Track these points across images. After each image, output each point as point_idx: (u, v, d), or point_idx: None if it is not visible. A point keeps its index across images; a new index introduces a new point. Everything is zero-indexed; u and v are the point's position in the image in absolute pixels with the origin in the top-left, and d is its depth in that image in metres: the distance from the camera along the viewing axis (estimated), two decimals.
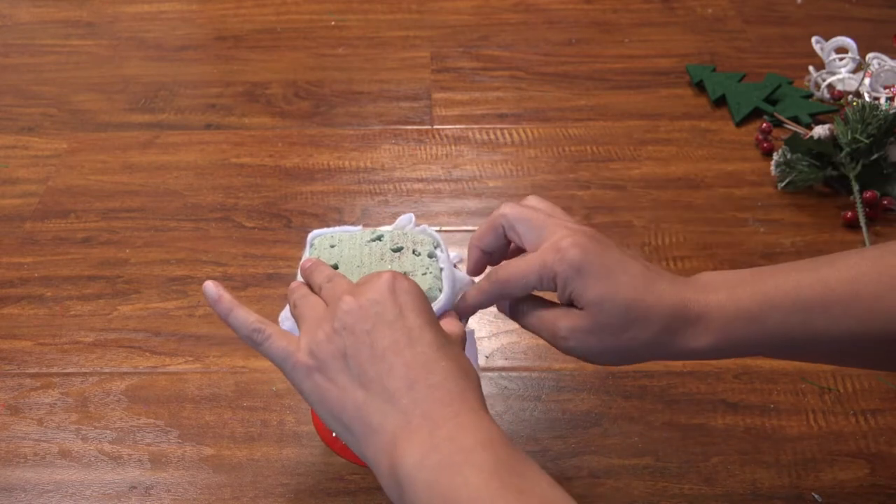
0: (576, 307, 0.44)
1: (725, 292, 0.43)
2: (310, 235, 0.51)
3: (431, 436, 0.37)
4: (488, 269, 0.48)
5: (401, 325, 0.40)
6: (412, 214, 0.53)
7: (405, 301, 0.41)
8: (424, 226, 0.52)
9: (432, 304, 0.46)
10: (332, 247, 0.49)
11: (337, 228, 0.52)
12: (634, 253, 0.45)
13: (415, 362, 0.39)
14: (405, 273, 0.47)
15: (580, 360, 0.45)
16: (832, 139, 0.77)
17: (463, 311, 0.47)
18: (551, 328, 0.45)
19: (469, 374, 0.41)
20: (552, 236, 0.44)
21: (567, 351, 0.45)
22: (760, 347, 0.44)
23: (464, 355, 0.42)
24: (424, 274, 0.47)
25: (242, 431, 0.59)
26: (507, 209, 0.46)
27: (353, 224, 0.76)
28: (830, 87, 0.90)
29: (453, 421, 0.37)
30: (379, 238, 0.50)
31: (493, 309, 0.67)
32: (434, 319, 0.42)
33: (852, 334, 0.42)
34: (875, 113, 0.75)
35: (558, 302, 0.45)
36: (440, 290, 0.47)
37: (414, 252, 0.48)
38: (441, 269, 0.48)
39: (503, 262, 0.47)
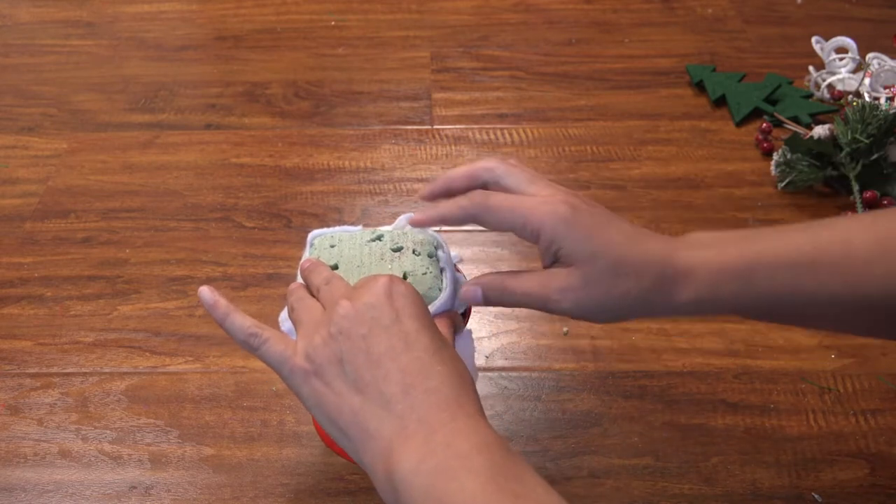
0: (561, 266, 0.43)
1: (715, 249, 0.43)
2: (310, 235, 0.51)
3: (427, 441, 0.37)
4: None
5: (397, 329, 0.40)
6: (412, 214, 0.53)
7: (402, 305, 0.41)
8: (425, 228, 0.52)
9: (432, 304, 0.46)
10: (332, 247, 0.49)
11: (337, 228, 0.52)
12: (619, 216, 0.46)
13: (411, 367, 0.39)
14: (405, 273, 0.47)
15: (574, 319, 0.45)
16: (832, 139, 0.77)
17: (421, 222, 0.46)
18: (542, 293, 0.44)
19: (465, 379, 0.41)
20: (542, 191, 0.44)
21: (561, 312, 0.44)
22: (745, 307, 0.44)
23: (459, 360, 0.42)
24: (424, 274, 0.47)
25: (242, 431, 0.59)
26: (494, 163, 0.46)
27: (353, 224, 0.76)
28: (830, 87, 0.90)
29: (449, 426, 0.37)
30: (379, 238, 0.50)
31: (494, 309, 0.67)
32: (431, 323, 0.42)
33: (839, 297, 0.42)
34: (875, 113, 0.75)
35: (541, 265, 0.45)
36: (440, 290, 0.47)
37: (414, 252, 0.48)
38: (441, 270, 0.48)
39: (493, 192, 0.45)
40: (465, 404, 0.39)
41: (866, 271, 0.41)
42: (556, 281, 0.43)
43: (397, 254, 0.48)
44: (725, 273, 0.43)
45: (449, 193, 0.47)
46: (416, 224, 0.46)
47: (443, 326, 0.45)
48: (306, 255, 0.50)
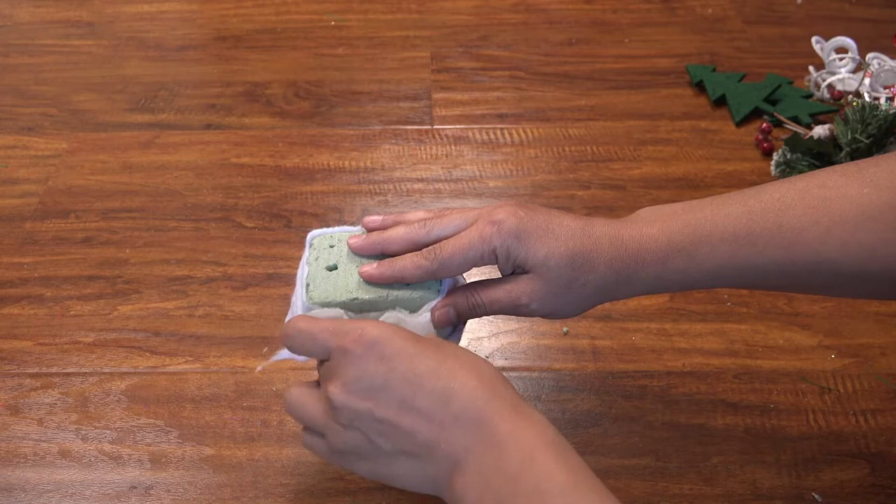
0: (523, 273, 0.45)
1: (658, 225, 0.45)
2: (309, 235, 0.51)
3: (480, 471, 0.37)
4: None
5: (395, 380, 0.39)
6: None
7: (381, 351, 0.40)
8: None
9: (430, 303, 0.46)
10: (332, 247, 0.49)
11: (336, 228, 0.52)
12: (560, 211, 0.47)
13: (429, 406, 0.38)
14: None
15: (545, 319, 0.47)
16: (832, 139, 0.77)
17: (379, 279, 0.47)
18: (509, 299, 0.46)
19: (481, 371, 0.40)
20: (480, 213, 0.46)
21: (531, 314, 0.46)
22: (692, 280, 0.45)
23: (464, 353, 0.42)
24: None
25: (242, 431, 0.59)
26: (422, 215, 0.49)
27: (352, 224, 0.76)
28: (830, 87, 0.90)
29: (490, 443, 0.37)
30: None
31: None
32: (417, 343, 0.41)
33: (779, 265, 0.43)
34: (875, 113, 0.75)
35: (500, 275, 0.47)
36: (438, 291, 0.47)
37: None
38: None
39: (442, 243, 0.46)
40: (496, 400, 0.38)
41: (799, 239, 0.43)
42: (519, 287, 0.45)
43: None
44: (672, 251, 0.44)
45: (382, 252, 0.48)
46: (372, 280, 0.46)
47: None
48: (306, 255, 0.50)
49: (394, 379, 0.39)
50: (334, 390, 0.40)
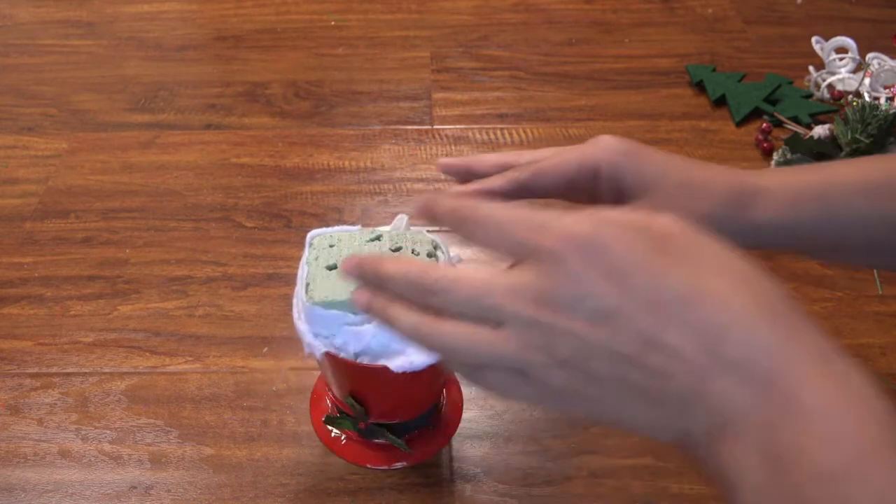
0: (624, 201, 0.40)
1: (790, 174, 0.41)
2: (309, 235, 0.51)
3: (767, 452, 0.26)
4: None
5: (635, 308, 0.27)
6: (406, 214, 0.53)
7: (613, 263, 0.27)
8: (422, 229, 0.52)
9: None
10: (331, 246, 0.49)
11: (336, 228, 0.52)
12: None
13: (689, 346, 0.27)
14: None
15: None
16: (832, 139, 0.77)
17: (471, 194, 0.41)
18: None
19: (766, 295, 0.27)
20: (579, 146, 0.41)
21: None
22: (825, 231, 0.40)
23: (730, 261, 0.28)
24: None
25: (242, 431, 0.59)
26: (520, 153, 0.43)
27: (352, 224, 0.76)
28: (830, 86, 0.90)
29: (793, 426, 0.26)
30: (378, 238, 0.50)
31: None
32: (662, 243, 0.28)
33: None
34: (875, 113, 0.75)
35: (594, 204, 0.40)
36: None
37: (413, 252, 0.48)
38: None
39: (529, 163, 0.41)
40: (792, 345, 0.26)
41: None
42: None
43: (396, 254, 0.48)
44: (805, 193, 0.40)
45: (469, 174, 0.43)
46: (465, 195, 0.39)
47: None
48: (306, 254, 0.50)
49: (632, 306, 0.27)
50: (545, 314, 0.28)
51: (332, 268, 0.48)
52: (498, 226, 0.30)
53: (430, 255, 0.49)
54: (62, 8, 1.11)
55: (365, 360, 0.47)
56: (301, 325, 0.47)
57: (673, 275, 0.27)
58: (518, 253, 0.30)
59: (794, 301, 0.28)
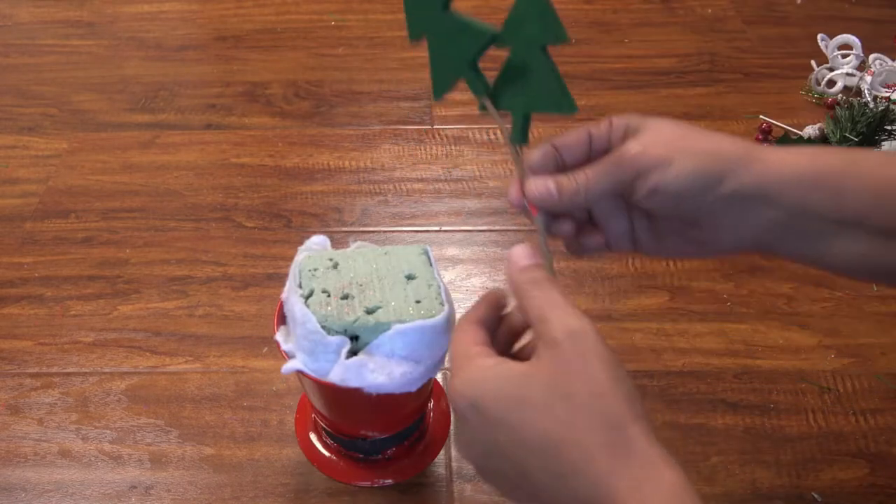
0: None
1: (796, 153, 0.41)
2: (297, 260, 0.49)
3: None
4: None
5: (504, 449, 0.35)
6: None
7: (486, 416, 0.35)
8: (425, 246, 0.51)
9: (433, 319, 0.45)
10: (315, 269, 0.48)
11: (315, 247, 0.51)
12: None
13: (546, 482, 0.34)
14: (418, 301, 0.46)
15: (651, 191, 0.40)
16: (823, 138, 0.78)
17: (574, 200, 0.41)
18: (619, 155, 0.40)
19: (603, 424, 0.34)
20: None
21: (643, 175, 0.40)
22: (842, 207, 0.39)
23: (578, 403, 0.34)
24: (435, 297, 0.47)
25: (242, 431, 0.59)
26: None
27: (351, 224, 0.76)
28: (830, 82, 0.91)
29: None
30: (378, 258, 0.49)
31: None
32: (523, 393, 0.35)
33: None
34: (864, 111, 0.75)
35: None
36: (442, 305, 0.46)
37: (410, 276, 0.48)
38: (439, 287, 0.48)
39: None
40: (619, 470, 0.33)
41: None
42: (632, 147, 0.40)
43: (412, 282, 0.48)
44: (826, 152, 0.40)
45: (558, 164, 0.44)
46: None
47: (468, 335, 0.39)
48: (298, 263, 0.48)
49: (502, 448, 0.35)
50: (460, 448, 0.38)
51: (325, 292, 0.46)
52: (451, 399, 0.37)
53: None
54: (62, 8, 1.11)
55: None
56: (287, 346, 0.47)
57: (529, 429, 0.34)
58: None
59: (638, 417, 0.35)
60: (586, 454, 0.33)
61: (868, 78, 0.88)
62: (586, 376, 0.35)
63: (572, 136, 0.43)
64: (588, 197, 0.41)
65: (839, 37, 0.93)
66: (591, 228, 0.45)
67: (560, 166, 0.43)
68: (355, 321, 0.45)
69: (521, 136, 0.42)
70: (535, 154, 0.43)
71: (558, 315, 0.36)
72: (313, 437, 0.57)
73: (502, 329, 0.41)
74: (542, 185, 0.42)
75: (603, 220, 0.45)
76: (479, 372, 0.36)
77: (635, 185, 0.40)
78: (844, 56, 0.93)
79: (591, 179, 0.41)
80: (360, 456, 0.55)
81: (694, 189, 0.40)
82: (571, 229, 0.44)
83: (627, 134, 0.42)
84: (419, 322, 0.44)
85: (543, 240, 0.42)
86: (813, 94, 0.91)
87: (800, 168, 0.40)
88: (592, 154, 0.43)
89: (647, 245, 0.45)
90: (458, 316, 0.42)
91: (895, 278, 0.41)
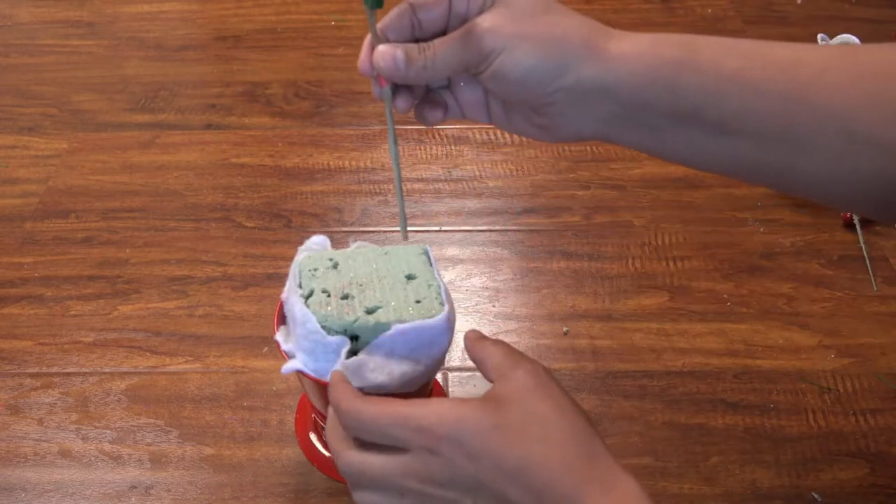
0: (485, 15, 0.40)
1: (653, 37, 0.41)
2: (296, 261, 0.49)
3: None
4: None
5: (486, 478, 0.37)
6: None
7: (470, 451, 0.37)
8: (426, 246, 0.51)
9: (433, 319, 0.45)
10: (315, 269, 0.48)
11: (315, 247, 0.51)
12: None
13: (524, 500, 0.36)
14: (418, 301, 0.46)
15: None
16: None
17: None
18: (465, 30, 0.40)
19: (566, 454, 0.37)
20: None
21: (484, 59, 0.40)
22: (684, 90, 0.39)
23: (549, 431, 0.37)
24: (435, 297, 0.47)
25: (242, 431, 0.59)
26: None
27: (351, 224, 0.76)
28: None
29: None
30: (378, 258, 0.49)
31: (494, 309, 0.67)
32: (500, 427, 0.37)
33: (788, 98, 0.37)
34: None
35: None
36: (442, 305, 0.46)
37: (410, 276, 0.48)
38: (439, 287, 0.47)
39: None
40: (585, 485, 0.36)
41: (817, 80, 0.37)
42: (482, 23, 0.39)
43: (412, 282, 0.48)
44: (667, 41, 0.40)
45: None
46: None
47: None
48: (296, 272, 0.48)
49: (487, 478, 0.36)
50: (427, 489, 0.38)
51: (344, 297, 0.46)
52: (382, 431, 0.38)
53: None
54: (62, 8, 1.11)
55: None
56: (287, 346, 0.47)
57: (508, 453, 0.36)
58: (403, 445, 0.38)
59: (591, 443, 0.37)
60: (563, 467, 0.36)
61: None
62: (550, 398, 0.38)
63: None
64: (434, 73, 0.41)
65: (839, 37, 0.93)
66: (433, 103, 0.45)
67: (416, 28, 0.42)
68: (355, 321, 0.45)
69: None
70: (390, 14, 0.42)
71: (509, 360, 0.41)
72: (313, 437, 0.57)
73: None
74: (389, 55, 0.41)
75: (457, 88, 0.45)
76: (445, 407, 0.38)
77: (480, 66, 0.40)
78: None
79: (438, 55, 0.41)
80: None
81: (534, 78, 0.40)
82: (408, 106, 0.44)
83: (487, 3, 0.41)
84: (419, 322, 0.44)
85: (389, 110, 0.43)
86: None
87: (639, 62, 0.40)
88: (451, 19, 0.42)
89: (499, 118, 0.45)
90: (457, 316, 0.42)
91: (728, 170, 0.42)
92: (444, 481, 0.37)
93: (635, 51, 0.40)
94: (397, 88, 0.43)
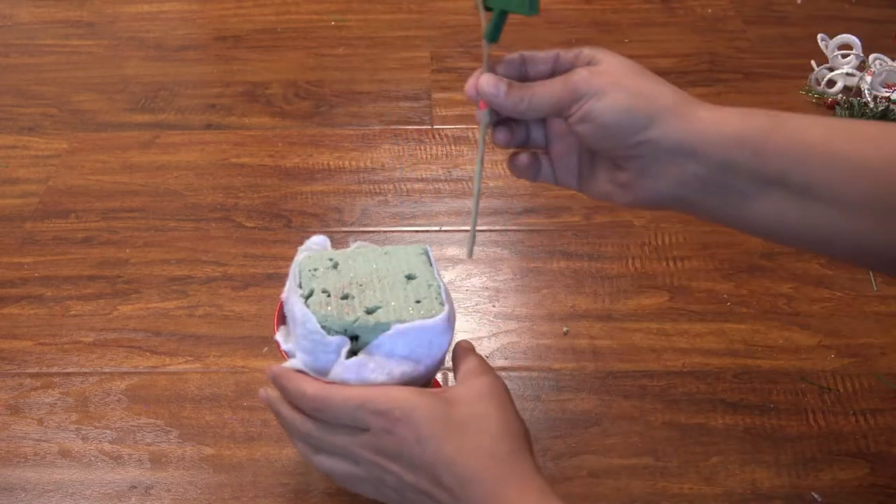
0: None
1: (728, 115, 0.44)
2: (296, 262, 0.49)
3: None
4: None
5: (429, 460, 0.41)
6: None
7: (420, 434, 0.42)
8: (426, 247, 0.51)
9: (433, 319, 0.45)
10: (315, 269, 0.48)
11: (315, 247, 0.51)
12: None
13: (452, 485, 0.40)
14: (418, 301, 0.46)
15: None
16: None
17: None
18: (565, 77, 0.43)
19: (498, 452, 0.42)
20: None
21: (579, 99, 0.42)
22: (766, 157, 0.41)
23: (484, 430, 0.42)
24: (435, 297, 0.46)
25: (242, 431, 0.59)
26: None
27: (351, 224, 0.76)
28: (830, 82, 0.91)
29: None
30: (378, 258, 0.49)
31: (494, 309, 0.67)
32: (449, 422, 0.42)
33: (869, 163, 0.39)
34: (864, 111, 0.75)
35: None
36: (442, 305, 0.46)
37: (410, 276, 0.48)
38: (439, 287, 0.47)
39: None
40: (504, 482, 0.40)
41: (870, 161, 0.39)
42: (581, 71, 0.43)
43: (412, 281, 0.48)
44: (754, 111, 0.42)
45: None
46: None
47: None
48: (295, 273, 0.48)
49: (427, 459, 0.41)
50: (379, 460, 0.43)
51: (344, 298, 0.46)
52: (350, 414, 0.43)
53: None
54: (62, 8, 1.11)
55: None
56: (287, 346, 0.47)
57: (448, 442, 0.41)
58: (364, 426, 0.43)
59: (519, 445, 0.42)
60: (490, 460, 0.41)
61: (868, 78, 0.88)
62: (497, 406, 0.43)
63: (542, 52, 0.46)
64: (529, 106, 0.45)
65: (839, 37, 0.93)
66: (531, 155, 0.49)
67: (522, 76, 0.46)
68: (355, 321, 0.45)
69: (492, 34, 0.46)
70: (504, 58, 0.46)
71: (477, 370, 0.45)
72: None
73: None
74: (492, 82, 0.45)
75: (552, 142, 0.49)
76: (404, 394, 0.42)
77: (572, 108, 0.43)
78: (844, 56, 0.93)
79: (536, 93, 0.44)
80: None
81: (621, 125, 0.42)
82: (505, 140, 0.49)
83: (590, 63, 0.44)
84: (419, 322, 0.44)
85: (482, 133, 0.48)
86: (813, 94, 0.91)
87: (727, 126, 0.42)
88: (555, 74, 0.45)
89: (587, 181, 0.48)
90: (457, 316, 0.43)
91: (812, 238, 0.42)
92: (395, 455, 0.42)
93: (722, 117, 0.42)
94: (500, 122, 0.48)
